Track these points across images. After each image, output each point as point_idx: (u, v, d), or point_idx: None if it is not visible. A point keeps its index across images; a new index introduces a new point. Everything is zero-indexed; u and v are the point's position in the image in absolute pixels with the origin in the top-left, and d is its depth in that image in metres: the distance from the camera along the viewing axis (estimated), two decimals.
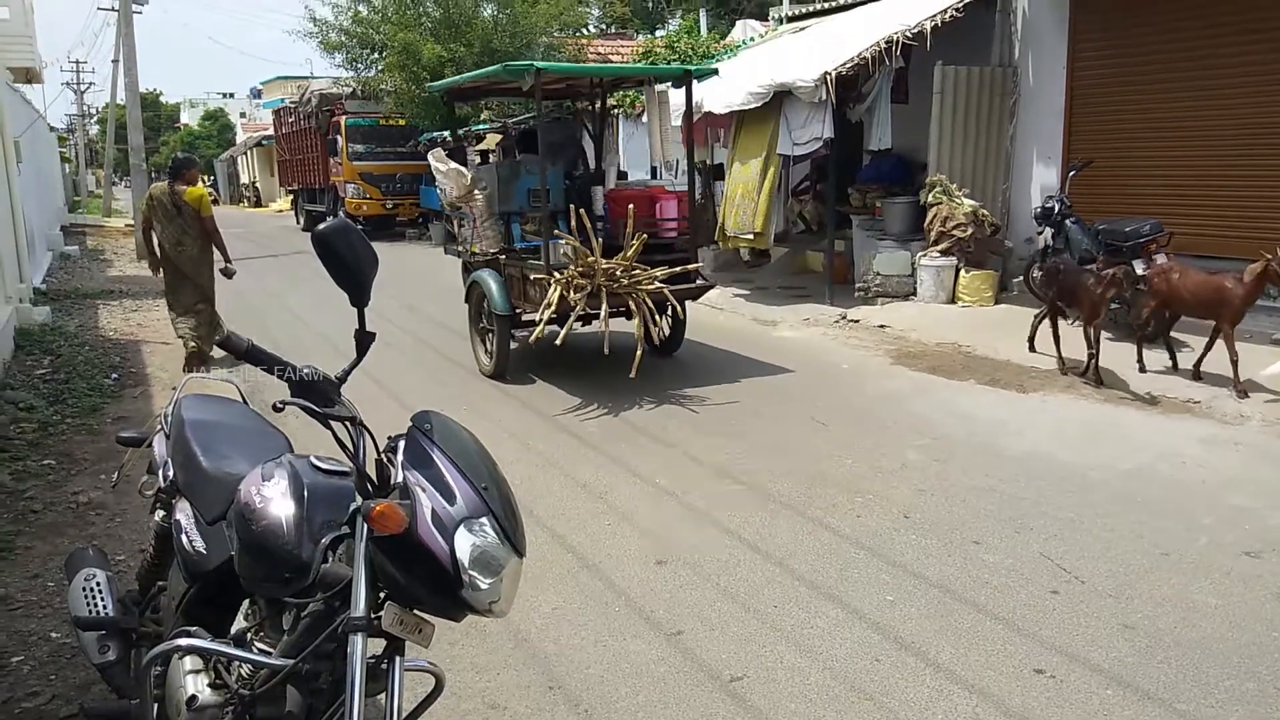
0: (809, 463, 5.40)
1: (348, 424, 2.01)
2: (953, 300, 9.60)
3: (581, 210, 7.05)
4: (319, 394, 2.00)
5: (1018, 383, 7.06)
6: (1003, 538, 4.33)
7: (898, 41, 9.64)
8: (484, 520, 1.91)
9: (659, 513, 4.74)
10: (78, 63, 50.69)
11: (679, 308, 7.75)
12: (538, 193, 7.45)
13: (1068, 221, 8.65)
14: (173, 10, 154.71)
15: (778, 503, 4.79)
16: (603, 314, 6.79)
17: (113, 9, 28.12)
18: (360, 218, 20.90)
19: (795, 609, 3.71)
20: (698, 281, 7.51)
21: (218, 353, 8.10)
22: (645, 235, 6.98)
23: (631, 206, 7.12)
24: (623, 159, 18.51)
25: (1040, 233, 9.32)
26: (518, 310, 7.58)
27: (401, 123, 20.99)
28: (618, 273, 6.85)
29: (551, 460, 5.55)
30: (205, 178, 55.29)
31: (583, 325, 7.41)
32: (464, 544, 1.87)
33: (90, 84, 51.46)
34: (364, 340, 2.12)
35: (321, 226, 2.02)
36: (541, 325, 6.91)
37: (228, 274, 8.17)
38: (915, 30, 9.72)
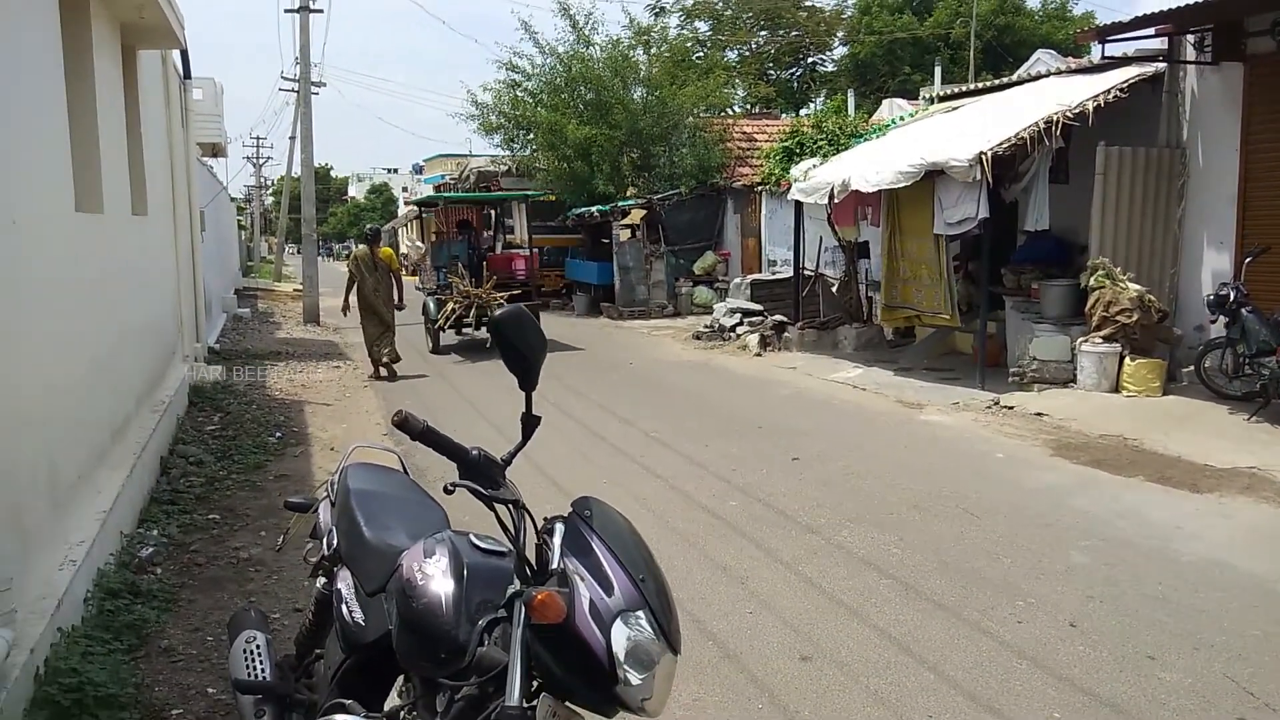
0: (963, 559, 5.13)
1: (510, 507, 2.02)
2: (1116, 389, 9.08)
3: (460, 264, 14.49)
4: (485, 476, 2.02)
5: (1190, 481, 6.57)
6: (1180, 654, 3.98)
7: (1058, 121, 9.39)
8: (640, 614, 1.86)
9: (802, 604, 4.58)
10: (258, 139, 55.01)
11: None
12: (454, 257, 14.97)
13: (1244, 310, 8.13)
14: (346, 91, 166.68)
15: (930, 601, 4.55)
16: (473, 317, 13.58)
17: (293, 90, 30.43)
18: None
19: None
20: (534, 301, 14.76)
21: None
22: (495, 277, 14.53)
23: (487, 262, 15.23)
24: (765, 233, 18.62)
25: (1213, 321, 8.78)
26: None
27: (551, 198, 21.74)
28: (482, 295, 13.64)
29: (691, 539, 5.47)
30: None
31: (474, 329, 13.86)
32: (620, 637, 1.83)
33: (268, 158, 55.85)
34: (530, 423, 2.13)
35: (498, 313, 2.05)
36: (444, 321, 13.64)
37: (400, 307, 12.19)
38: (1076, 110, 9.45)
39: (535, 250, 16.76)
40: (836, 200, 11.75)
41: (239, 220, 40.50)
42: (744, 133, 22.00)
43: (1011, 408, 8.97)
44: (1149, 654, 3.99)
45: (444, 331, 13.83)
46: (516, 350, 2.05)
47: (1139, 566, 5.01)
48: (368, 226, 13.77)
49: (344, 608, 2.45)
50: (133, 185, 7.36)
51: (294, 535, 3.21)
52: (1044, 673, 3.82)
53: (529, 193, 18.25)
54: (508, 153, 23.34)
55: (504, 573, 2.12)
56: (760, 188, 18.35)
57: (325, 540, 2.74)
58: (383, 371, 11.72)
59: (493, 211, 19.20)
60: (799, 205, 13.42)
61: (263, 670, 2.78)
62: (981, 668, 3.88)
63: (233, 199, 38.66)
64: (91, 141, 5.90)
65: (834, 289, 14.38)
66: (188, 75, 11.31)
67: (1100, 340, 9.14)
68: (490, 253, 16.21)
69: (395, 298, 12.02)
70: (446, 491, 1.98)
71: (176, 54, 10.09)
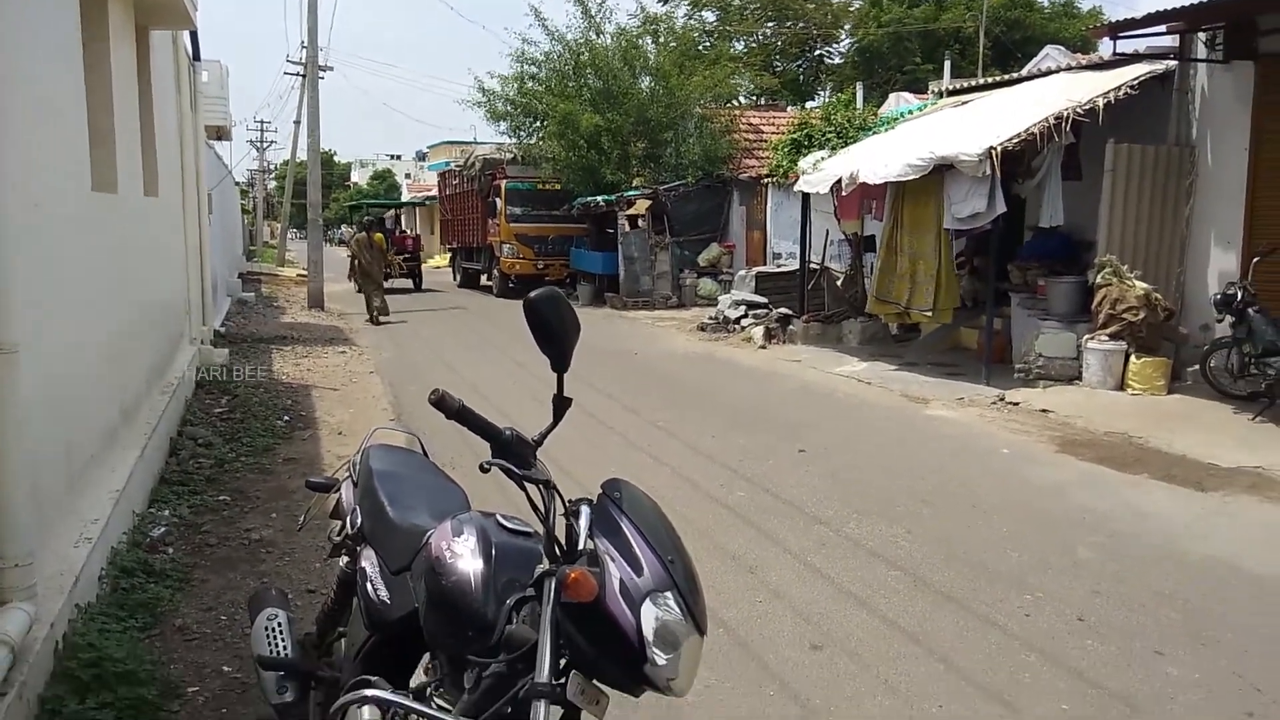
0: (971, 552, 5.15)
1: (541, 487, 2.03)
2: (1121, 387, 9.11)
3: (381, 238, 19.08)
4: (517, 455, 2.03)
5: (1195, 479, 6.59)
6: (1188, 650, 4.01)
7: (1068, 117, 9.39)
8: (669, 594, 1.88)
9: (812, 593, 4.60)
10: (262, 122, 54.94)
11: (415, 273, 25.15)
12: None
13: (1250, 310, 8.16)
14: (352, 76, 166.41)
15: (939, 593, 4.58)
16: (383, 273, 18.89)
17: (298, 74, 30.38)
18: (513, 276, 21.62)
19: (963, 711, 3.51)
20: (415, 262, 25.38)
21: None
22: (395, 249, 22.71)
23: (393, 240, 23.53)
24: (770, 225, 18.63)
25: (1220, 320, 8.79)
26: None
27: (557, 187, 21.69)
28: (389, 259, 19.81)
29: (699, 528, 5.47)
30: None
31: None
32: (649, 617, 1.84)
33: (271, 142, 55.70)
34: (561, 405, 2.14)
35: (533, 294, 2.04)
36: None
37: (387, 275, 18.97)
38: (1087, 106, 9.45)
39: (417, 234, 30.43)
40: (843, 193, 11.75)
41: (242, 204, 40.48)
42: (750, 124, 21.95)
43: (1017, 404, 8.99)
44: (1156, 649, 4.02)
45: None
46: (550, 330, 2.04)
47: (1145, 563, 5.04)
48: (365, 218, 21.11)
49: (369, 586, 2.47)
50: (145, 166, 7.34)
51: (314, 515, 3.23)
52: (1053, 665, 3.86)
53: (414, 200, 33.78)
54: (514, 140, 23.30)
55: (530, 552, 2.14)
56: (766, 180, 18.33)
57: (349, 520, 2.76)
58: (379, 318, 16.69)
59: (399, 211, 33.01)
60: (806, 198, 13.43)
61: (285, 647, 2.80)
62: (991, 659, 3.91)
63: (236, 183, 38.60)
64: (107, 120, 5.88)
65: (839, 282, 14.40)
66: (197, 57, 11.27)
67: (1106, 338, 9.17)
68: (394, 235, 26.11)
69: (384, 267, 18.54)
70: (482, 470, 2.00)
71: (186, 35, 10.06)
